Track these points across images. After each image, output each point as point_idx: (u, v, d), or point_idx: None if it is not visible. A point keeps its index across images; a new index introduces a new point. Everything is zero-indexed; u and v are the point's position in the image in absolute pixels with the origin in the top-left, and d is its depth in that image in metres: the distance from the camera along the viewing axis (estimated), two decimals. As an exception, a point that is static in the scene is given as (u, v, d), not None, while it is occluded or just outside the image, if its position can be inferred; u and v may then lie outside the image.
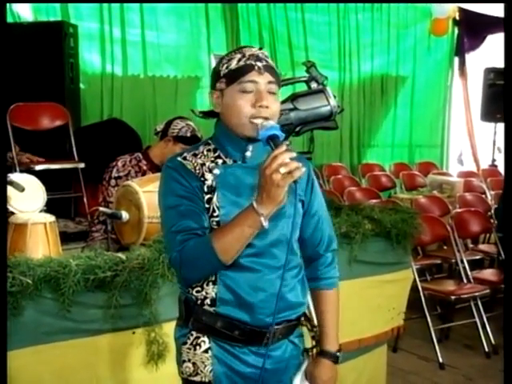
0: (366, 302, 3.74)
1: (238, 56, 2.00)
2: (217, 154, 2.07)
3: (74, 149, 5.80)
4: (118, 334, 2.82)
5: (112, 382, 2.85)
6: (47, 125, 5.79)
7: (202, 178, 2.02)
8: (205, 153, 2.07)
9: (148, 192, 3.27)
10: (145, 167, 4.07)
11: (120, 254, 2.84)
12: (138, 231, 3.30)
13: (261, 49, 2.06)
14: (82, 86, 6.78)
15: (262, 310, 2.03)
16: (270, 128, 1.91)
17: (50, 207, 3.49)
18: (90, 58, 7.11)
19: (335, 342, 2.20)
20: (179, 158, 2.05)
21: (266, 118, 1.96)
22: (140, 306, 2.82)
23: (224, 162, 2.05)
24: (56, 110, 5.83)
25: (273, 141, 1.88)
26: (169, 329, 2.86)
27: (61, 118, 5.84)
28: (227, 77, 1.99)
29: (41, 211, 3.34)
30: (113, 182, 3.98)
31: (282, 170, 1.78)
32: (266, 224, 1.85)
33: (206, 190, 2.01)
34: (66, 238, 4.54)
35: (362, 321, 3.78)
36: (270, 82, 1.99)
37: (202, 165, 2.04)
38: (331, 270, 2.25)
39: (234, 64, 1.98)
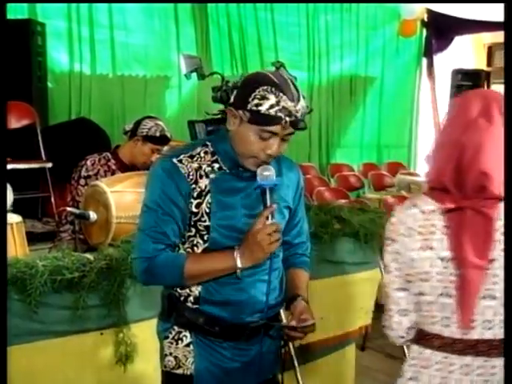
0: (335, 302, 3.76)
1: (272, 100, 1.93)
2: (214, 158, 2.08)
3: (42, 148, 5.76)
4: (86, 335, 2.80)
5: (80, 384, 2.83)
6: (14, 124, 5.74)
7: (194, 185, 2.04)
8: (202, 155, 2.08)
9: (116, 192, 3.25)
10: (114, 167, 4.05)
11: (88, 255, 2.82)
12: (106, 231, 3.28)
13: (296, 99, 1.97)
14: (49, 84, 6.74)
15: (244, 309, 2.10)
16: (266, 180, 2.01)
17: (16, 207, 3.47)
18: (57, 56, 7.07)
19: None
20: (175, 160, 2.05)
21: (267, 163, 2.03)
22: (108, 307, 2.80)
23: (220, 168, 2.08)
24: (23, 109, 5.79)
25: (264, 195, 2.01)
26: (137, 330, 2.86)
27: (28, 117, 5.80)
28: (253, 115, 1.95)
29: (7, 212, 3.31)
30: (82, 181, 3.95)
31: (274, 237, 1.97)
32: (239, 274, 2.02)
33: (195, 195, 2.04)
34: (33, 238, 4.51)
35: (331, 320, 3.79)
36: (288, 134, 2.00)
37: (198, 169, 2.05)
38: (307, 258, 2.36)
39: (264, 107, 1.93)
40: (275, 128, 1.95)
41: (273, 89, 1.94)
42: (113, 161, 4.07)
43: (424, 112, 10.67)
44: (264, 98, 1.93)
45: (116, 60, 7.54)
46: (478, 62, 10.86)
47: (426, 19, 10.06)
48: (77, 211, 3.45)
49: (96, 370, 2.86)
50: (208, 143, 2.12)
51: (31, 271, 2.58)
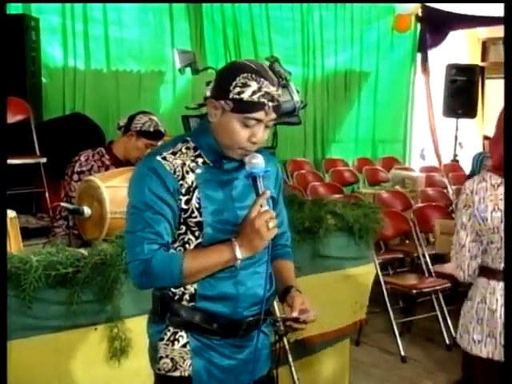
0: (329, 297, 3.76)
1: (255, 86, 1.93)
2: (197, 153, 2.06)
3: (36, 143, 5.75)
4: (80, 331, 2.81)
5: (74, 379, 2.83)
6: (8, 119, 5.69)
7: (181, 181, 2.01)
8: (183, 151, 2.06)
9: (110, 187, 3.25)
10: (108, 162, 4.04)
11: (82, 250, 2.82)
12: (100, 227, 3.27)
13: (276, 83, 1.99)
14: (43, 80, 6.71)
15: (242, 303, 2.08)
16: (256, 168, 1.99)
17: (11, 203, 3.45)
18: (52, 51, 7.04)
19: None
20: (158, 158, 2.02)
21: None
22: (102, 302, 2.80)
23: (204, 162, 2.06)
24: (17, 105, 5.77)
25: (256, 183, 1.99)
26: (131, 324, 2.86)
27: (22, 113, 5.78)
28: (235, 104, 1.94)
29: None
30: (75, 176, 3.95)
31: (271, 224, 1.93)
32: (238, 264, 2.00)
33: (183, 191, 2.01)
34: (27, 233, 4.50)
35: (325, 315, 3.76)
36: (271, 120, 1.99)
37: (183, 165, 2.03)
38: (289, 249, 2.35)
39: (247, 94, 1.92)
40: (259, 114, 1.95)
41: (253, 75, 1.93)
42: (107, 156, 4.06)
43: (418, 107, 10.68)
44: (245, 85, 1.92)
45: (110, 55, 7.52)
46: (473, 57, 10.87)
47: (420, 14, 10.07)
48: (71, 206, 3.44)
49: (90, 365, 2.87)
50: (188, 138, 2.10)
51: (25, 266, 2.58)
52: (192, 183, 2.02)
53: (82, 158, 4.01)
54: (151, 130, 3.95)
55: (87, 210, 3.33)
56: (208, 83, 2.31)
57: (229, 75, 1.97)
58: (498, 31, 9.53)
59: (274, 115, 1.98)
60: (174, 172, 2.01)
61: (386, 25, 10.02)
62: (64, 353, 2.80)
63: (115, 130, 4.40)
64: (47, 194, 5.59)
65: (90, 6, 7.27)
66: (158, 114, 4.22)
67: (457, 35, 10.53)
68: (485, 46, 11.04)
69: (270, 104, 1.95)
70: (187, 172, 2.02)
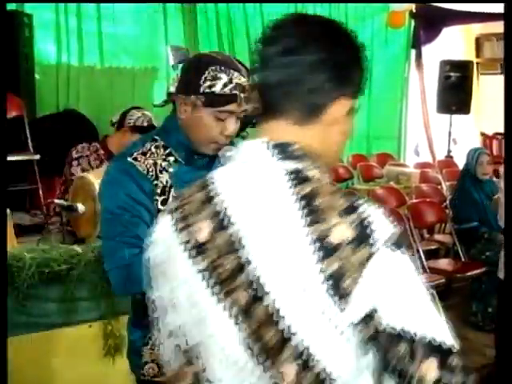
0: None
1: (224, 79, 1.90)
2: (167, 152, 2.01)
3: (29, 140, 5.72)
4: (74, 328, 2.81)
5: (68, 376, 2.83)
6: (1, 116, 5.70)
7: (156, 181, 1.96)
8: (153, 150, 2.00)
9: (104, 184, 3.24)
10: (103, 156, 4.06)
11: (75, 247, 2.82)
12: (93, 224, 3.26)
13: (245, 74, 1.95)
14: (37, 76, 6.68)
15: None
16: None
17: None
18: (45, 48, 7.01)
19: None
20: (129, 159, 1.96)
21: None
22: (96, 299, 2.81)
23: (176, 160, 2.01)
24: (11, 101, 5.74)
25: None
26: (126, 322, 2.85)
27: (16, 109, 5.75)
28: (207, 98, 1.90)
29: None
30: (75, 162, 4.00)
31: None
32: None
33: (159, 192, 1.96)
34: (21, 230, 4.48)
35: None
36: (242, 111, 1.96)
37: (155, 165, 1.98)
38: None
39: (218, 87, 1.89)
40: (232, 106, 1.92)
41: (222, 67, 1.91)
42: (101, 151, 4.08)
43: (413, 103, 10.68)
44: (215, 78, 1.89)
45: (104, 51, 7.50)
46: (468, 53, 10.88)
47: (414, 10, 10.07)
48: (65, 203, 3.44)
49: (85, 362, 2.87)
50: (156, 137, 2.04)
51: (19, 264, 2.58)
52: (167, 183, 1.97)
53: (79, 147, 4.07)
54: (145, 124, 3.94)
55: (81, 207, 3.32)
56: (173, 79, 2.24)
57: (197, 69, 1.93)
58: (492, 27, 9.57)
59: (245, 106, 1.94)
60: (147, 172, 1.96)
61: (380, 21, 10.01)
62: (58, 350, 2.80)
63: (109, 127, 4.40)
64: (41, 191, 5.57)
65: (83, 2, 7.24)
66: (151, 110, 4.20)
67: (451, 31, 10.54)
68: (479, 42, 11.04)
69: (242, 95, 1.92)
70: (160, 171, 1.97)
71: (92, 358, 2.85)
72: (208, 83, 1.90)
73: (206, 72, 1.90)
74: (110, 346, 2.84)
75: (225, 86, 1.90)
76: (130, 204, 1.91)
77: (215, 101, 1.90)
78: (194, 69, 1.96)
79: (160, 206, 1.95)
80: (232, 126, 1.95)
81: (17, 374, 2.68)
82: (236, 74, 1.92)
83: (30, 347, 2.70)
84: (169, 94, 2.14)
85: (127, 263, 1.88)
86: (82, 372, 2.85)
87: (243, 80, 1.93)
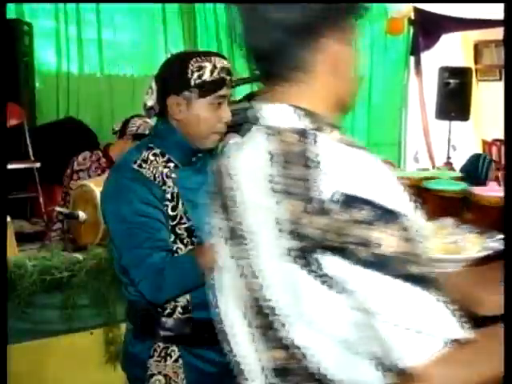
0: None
1: (209, 66, 1.92)
2: (166, 158, 2.01)
3: (30, 148, 5.73)
4: (76, 335, 2.81)
5: (70, 384, 2.83)
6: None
7: (164, 187, 1.95)
8: (151, 158, 1.99)
9: (105, 191, 3.24)
10: (104, 165, 4.06)
11: (77, 255, 2.82)
12: (95, 231, 3.26)
13: (223, 57, 2.00)
14: (37, 84, 6.69)
15: None
16: None
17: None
18: (45, 56, 7.02)
19: None
20: (135, 166, 1.96)
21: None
22: (97, 307, 2.81)
23: (176, 166, 2.01)
24: (11, 110, 5.75)
25: None
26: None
27: (16, 118, 5.76)
28: (200, 88, 1.92)
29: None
30: (75, 175, 3.99)
31: None
32: None
33: (169, 197, 1.95)
34: (21, 238, 4.48)
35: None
36: (231, 94, 2.00)
37: (159, 171, 1.97)
38: None
39: (207, 75, 1.91)
40: (224, 90, 1.95)
41: (202, 57, 1.94)
42: (103, 159, 4.08)
43: (413, 110, 10.68)
44: (201, 67, 1.92)
45: (104, 59, 7.51)
46: (467, 60, 10.89)
47: (412, 17, 10.08)
48: (66, 211, 3.44)
49: (86, 369, 2.87)
50: (151, 145, 2.04)
51: (20, 271, 2.59)
52: (174, 189, 1.97)
53: (80, 158, 4.06)
54: (146, 132, 3.94)
55: (82, 215, 3.32)
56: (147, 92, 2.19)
57: (180, 66, 1.96)
58: (491, 34, 9.57)
59: (231, 89, 2.00)
60: (155, 179, 1.95)
61: (379, 28, 10.02)
62: (59, 357, 2.80)
63: (109, 135, 4.40)
64: (41, 199, 5.58)
65: (83, 10, 7.26)
66: (151, 117, 4.21)
67: (449, 38, 10.55)
68: (477, 49, 11.05)
69: (229, 78, 1.96)
70: (167, 177, 1.97)
71: (93, 365, 2.85)
72: (196, 74, 1.92)
73: (190, 65, 1.93)
74: (111, 353, 2.84)
75: (212, 72, 1.92)
76: (147, 210, 1.90)
77: (208, 88, 1.93)
78: (176, 67, 1.98)
79: (170, 212, 1.94)
80: (227, 111, 1.98)
81: (17, 381, 2.68)
82: (217, 58, 1.96)
83: (31, 354, 2.70)
84: (149, 109, 2.11)
85: (160, 267, 1.86)
86: (83, 379, 2.85)
87: (225, 63, 1.97)
